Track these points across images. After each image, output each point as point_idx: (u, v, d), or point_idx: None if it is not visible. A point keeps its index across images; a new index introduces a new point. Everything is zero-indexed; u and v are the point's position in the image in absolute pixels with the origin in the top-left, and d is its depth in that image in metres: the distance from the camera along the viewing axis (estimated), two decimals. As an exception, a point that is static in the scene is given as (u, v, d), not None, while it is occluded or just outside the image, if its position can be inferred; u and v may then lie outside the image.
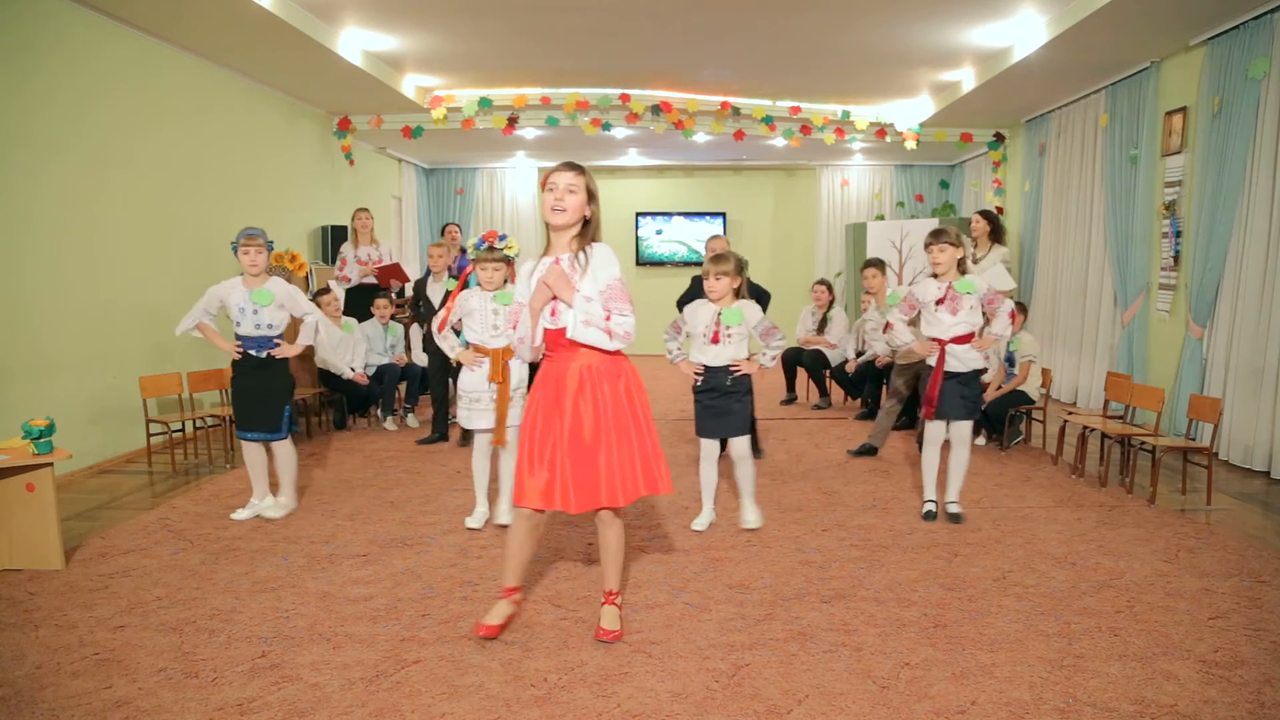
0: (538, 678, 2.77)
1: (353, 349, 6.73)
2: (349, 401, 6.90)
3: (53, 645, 2.99)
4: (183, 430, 5.90)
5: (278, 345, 4.37)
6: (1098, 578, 3.61)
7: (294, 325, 4.51)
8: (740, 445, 4.24)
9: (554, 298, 2.86)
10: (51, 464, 3.74)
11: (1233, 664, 2.84)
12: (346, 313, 7.00)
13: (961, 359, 4.28)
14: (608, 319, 2.81)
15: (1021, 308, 6.09)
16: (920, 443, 5.25)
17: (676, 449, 5.92)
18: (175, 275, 6.34)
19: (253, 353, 4.33)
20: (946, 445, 4.45)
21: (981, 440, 6.29)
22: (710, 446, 4.27)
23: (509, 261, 4.20)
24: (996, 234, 7.65)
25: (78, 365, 5.43)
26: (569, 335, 2.83)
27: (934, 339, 4.35)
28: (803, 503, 4.78)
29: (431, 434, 6.40)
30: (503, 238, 4.13)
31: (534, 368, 3.17)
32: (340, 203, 9.35)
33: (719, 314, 4.11)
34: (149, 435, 5.67)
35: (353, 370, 6.66)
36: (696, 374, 4.19)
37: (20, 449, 3.72)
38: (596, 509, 2.94)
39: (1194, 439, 5.18)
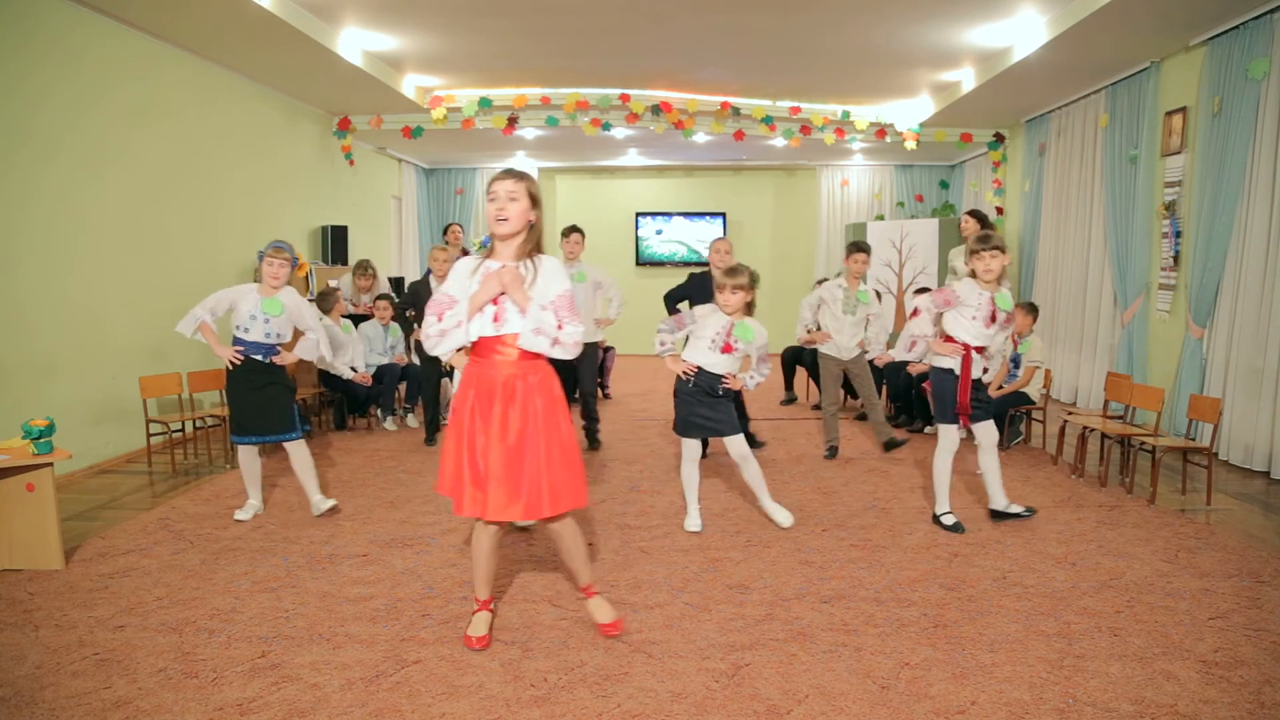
0: (537, 678, 2.77)
1: (352, 349, 6.73)
2: (349, 402, 6.90)
3: (53, 645, 2.99)
4: (182, 430, 5.91)
5: (279, 352, 4.40)
6: (1098, 578, 3.61)
7: (295, 334, 4.53)
8: (737, 445, 4.20)
9: (496, 300, 2.81)
10: (51, 464, 3.75)
11: (1233, 664, 2.84)
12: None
13: (978, 365, 4.21)
14: (559, 328, 2.81)
15: (1033, 308, 6.09)
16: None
17: (675, 448, 5.90)
18: (174, 275, 6.34)
19: (258, 358, 4.32)
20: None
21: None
22: (694, 447, 4.24)
23: None
24: None
25: (77, 365, 5.44)
26: (520, 344, 2.80)
27: (961, 343, 4.14)
28: (803, 503, 4.77)
29: (429, 437, 6.39)
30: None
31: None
32: (340, 203, 9.35)
33: (733, 326, 4.10)
34: (149, 435, 5.67)
35: (353, 371, 6.66)
36: (688, 373, 4.14)
37: (20, 449, 3.72)
38: (511, 520, 2.87)
39: (1194, 439, 5.18)
